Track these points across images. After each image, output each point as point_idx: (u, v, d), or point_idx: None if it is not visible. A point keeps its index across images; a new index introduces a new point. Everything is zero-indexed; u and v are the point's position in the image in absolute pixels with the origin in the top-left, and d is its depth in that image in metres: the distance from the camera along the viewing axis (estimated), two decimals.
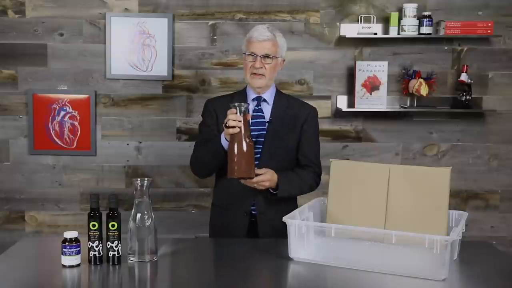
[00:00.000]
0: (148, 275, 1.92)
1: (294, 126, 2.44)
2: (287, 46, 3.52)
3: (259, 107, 2.43)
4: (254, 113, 2.41)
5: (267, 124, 2.41)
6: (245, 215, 2.40)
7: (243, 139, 2.12)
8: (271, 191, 2.33)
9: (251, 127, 2.37)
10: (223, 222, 2.46)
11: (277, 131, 2.40)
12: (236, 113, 2.12)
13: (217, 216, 2.51)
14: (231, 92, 2.64)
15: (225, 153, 2.22)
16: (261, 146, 2.39)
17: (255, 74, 2.36)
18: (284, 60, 2.47)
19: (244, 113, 2.13)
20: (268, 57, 2.35)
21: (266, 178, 2.25)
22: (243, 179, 2.19)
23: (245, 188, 2.31)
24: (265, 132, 2.40)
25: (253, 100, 2.44)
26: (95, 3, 3.44)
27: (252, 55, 2.36)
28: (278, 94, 2.49)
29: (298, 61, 3.49)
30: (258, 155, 2.37)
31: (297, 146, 2.46)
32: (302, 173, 2.44)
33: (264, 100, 2.44)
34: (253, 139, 2.35)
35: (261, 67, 2.35)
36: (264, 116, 2.42)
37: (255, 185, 2.25)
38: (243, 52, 2.42)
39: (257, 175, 2.22)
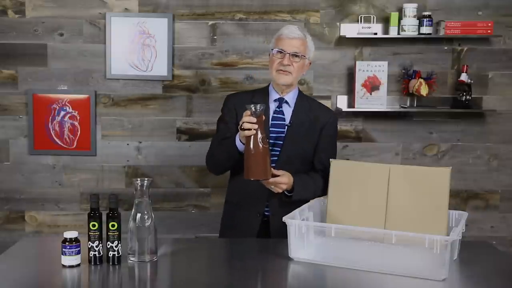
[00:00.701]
0: (148, 275, 1.92)
1: (313, 131, 2.43)
2: None
3: (280, 109, 2.42)
4: (275, 115, 2.40)
5: (286, 127, 2.40)
6: (258, 215, 2.40)
7: (259, 141, 2.11)
8: (286, 193, 2.32)
9: (271, 129, 2.38)
10: (235, 221, 2.45)
11: (296, 135, 2.39)
12: (251, 115, 2.11)
13: (229, 214, 2.50)
14: (253, 89, 2.64)
15: (240, 155, 2.22)
16: (279, 149, 2.38)
17: (282, 70, 2.34)
18: (310, 63, 2.45)
19: (259, 115, 2.11)
20: (296, 55, 2.33)
21: (284, 180, 2.25)
22: (258, 180, 2.18)
23: (259, 188, 2.31)
24: (284, 135, 2.38)
25: (274, 101, 2.42)
26: (95, 3, 3.44)
27: (281, 51, 2.34)
28: (300, 96, 2.47)
29: None
30: (276, 158, 2.36)
31: (314, 150, 2.45)
32: (317, 177, 2.42)
33: (286, 102, 2.43)
34: (272, 141, 2.36)
35: (289, 65, 2.33)
36: (284, 118, 2.41)
37: (273, 186, 2.25)
38: (271, 48, 2.39)
39: (274, 175, 2.22)
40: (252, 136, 2.11)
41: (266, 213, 2.41)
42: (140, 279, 1.89)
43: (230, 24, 3.46)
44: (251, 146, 2.11)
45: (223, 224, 2.55)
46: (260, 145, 2.11)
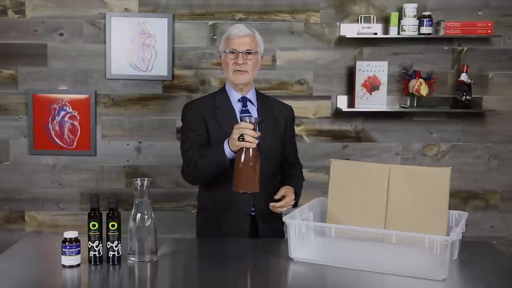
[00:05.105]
0: (148, 275, 1.92)
1: (279, 126, 2.46)
2: (287, 46, 3.53)
3: (246, 108, 2.42)
4: (242, 114, 2.40)
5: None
6: (245, 216, 2.38)
7: (254, 153, 2.09)
8: None
9: None
10: (221, 225, 2.39)
11: (266, 131, 2.38)
12: (254, 129, 2.09)
13: (211, 220, 2.44)
14: (208, 94, 2.59)
15: (230, 164, 2.18)
16: None
17: (238, 70, 2.34)
18: (262, 57, 2.46)
19: (255, 128, 2.11)
20: (249, 52, 2.33)
21: (292, 198, 2.33)
22: (246, 193, 2.16)
23: None
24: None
25: (238, 101, 2.41)
26: (95, 3, 3.44)
27: (233, 52, 2.33)
28: (259, 94, 2.50)
29: (298, 61, 3.50)
30: None
31: (283, 144, 2.49)
32: (298, 174, 2.55)
33: (249, 101, 2.43)
34: None
35: (244, 63, 2.33)
36: (259, 132, 2.41)
37: (284, 208, 2.31)
38: (223, 51, 2.38)
39: (282, 197, 2.31)
40: (250, 149, 2.08)
41: (252, 213, 2.40)
42: (140, 279, 1.89)
43: (230, 24, 3.45)
44: (246, 158, 2.08)
45: (204, 231, 2.49)
46: (255, 158, 2.09)
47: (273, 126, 2.43)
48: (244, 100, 2.42)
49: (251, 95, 2.44)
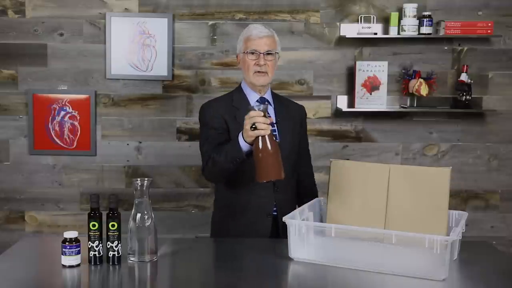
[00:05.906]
0: (148, 275, 1.92)
1: (295, 125, 2.47)
2: (287, 46, 3.53)
3: None
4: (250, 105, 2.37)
5: (275, 125, 2.39)
6: (268, 217, 2.37)
7: (271, 140, 2.06)
8: None
9: None
10: (243, 226, 2.37)
11: (285, 131, 2.40)
12: (264, 116, 2.06)
13: (232, 221, 2.41)
14: (226, 93, 2.57)
15: (247, 157, 2.15)
16: None
17: (259, 72, 2.33)
18: (279, 57, 2.45)
19: (265, 113, 2.08)
20: (270, 53, 2.33)
21: None
22: (271, 181, 2.14)
23: (266, 188, 2.31)
24: (276, 133, 2.38)
25: (256, 101, 2.40)
26: (95, 3, 3.44)
27: (254, 52, 2.32)
28: (274, 94, 2.50)
29: (298, 61, 3.50)
30: None
31: (299, 142, 2.50)
32: (314, 187, 2.62)
33: (267, 101, 2.42)
34: None
35: (265, 64, 2.32)
36: (270, 116, 2.40)
37: None
38: (241, 52, 2.38)
39: None
40: (267, 135, 2.05)
41: (273, 213, 2.39)
42: (140, 279, 1.89)
43: (230, 24, 3.46)
44: (264, 146, 2.04)
45: (222, 231, 2.45)
46: (273, 144, 2.05)
47: (292, 125, 2.44)
48: (262, 101, 2.40)
49: (268, 95, 2.44)
